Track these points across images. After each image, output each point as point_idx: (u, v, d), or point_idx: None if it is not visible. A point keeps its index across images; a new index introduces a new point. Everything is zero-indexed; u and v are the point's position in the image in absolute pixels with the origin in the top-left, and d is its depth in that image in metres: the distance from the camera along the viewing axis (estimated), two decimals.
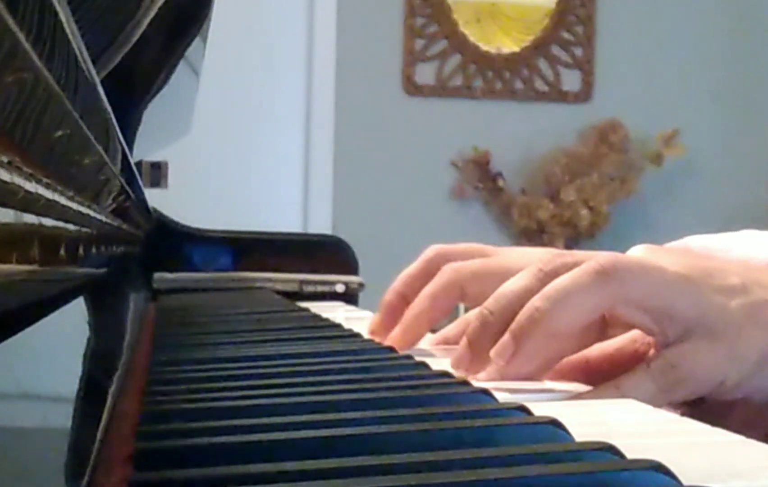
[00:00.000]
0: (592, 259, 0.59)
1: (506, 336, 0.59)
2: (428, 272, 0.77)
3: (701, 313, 0.59)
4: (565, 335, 0.60)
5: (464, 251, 0.78)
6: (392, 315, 0.77)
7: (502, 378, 0.60)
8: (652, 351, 0.61)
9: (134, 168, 0.83)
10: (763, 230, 0.76)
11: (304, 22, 3.75)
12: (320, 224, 3.68)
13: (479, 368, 0.60)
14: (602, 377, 0.61)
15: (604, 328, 0.62)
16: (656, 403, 0.58)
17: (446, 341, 0.77)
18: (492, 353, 0.59)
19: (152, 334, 0.87)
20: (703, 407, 0.61)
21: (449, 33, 3.83)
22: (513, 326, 0.59)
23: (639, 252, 0.64)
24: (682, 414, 0.58)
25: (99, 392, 0.57)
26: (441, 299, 0.74)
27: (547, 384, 0.61)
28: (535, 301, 0.59)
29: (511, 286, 0.62)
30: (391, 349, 0.70)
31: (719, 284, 0.60)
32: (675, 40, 3.93)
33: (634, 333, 0.63)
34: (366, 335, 0.77)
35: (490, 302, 0.62)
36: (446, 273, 0.74)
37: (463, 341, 0.62)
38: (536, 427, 0.43)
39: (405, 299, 0.77)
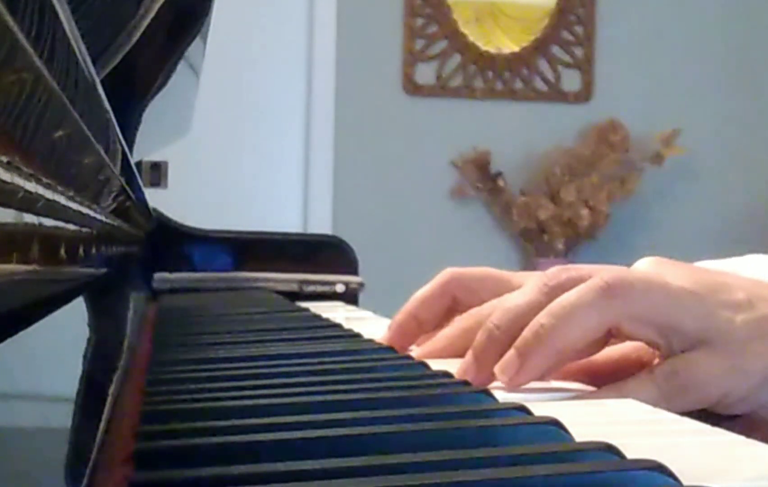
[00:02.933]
0: (597, 275, 0.59)
1: (511, 352, 0.59)
2: (442, 297, 0.75)
3: (706, 327, 0.59)
4: (569, 351, 0.60)
5: (479, 277, 0.75)
6: (402, 336, 0.75)
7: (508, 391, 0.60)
8: (656, 360, 0.61)
9: (134, 168, 0.83)
10: (766, 247, 0.76)
11: (304, 22, 3.75)
12: (320, 224, 3.68)
13: (484, 381, 0.60)
14: (605, 383, 0.61)
15: (607, 338, 0.62)
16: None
17: (431, 355, 0.72)
18: (497, 369, 0.59)
19: (152, 334, 0.87)
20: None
21: (449, 33, 3.83)
22: (518, 342, 0.59)
23: (645, 265, 0.64)
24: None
25: (99, 392, 0.57)
26: (458, 343, 0.69)
27: (549, 384, 0.61)
28: (541, 318, 0.59)
29: (516, 300, 0.62)
30: (391, 349, 0.70)
31: (725, 298, 0.60)
32: (675, 40, 3.92)
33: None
34: (366, 335, 0.77)
35: (496, 316, 0.62)
36: (465, 320, 0.70)
37: (469, 353, 0.62)
38: (536, 427, 0.43)
39: (417, 320, 0.75)
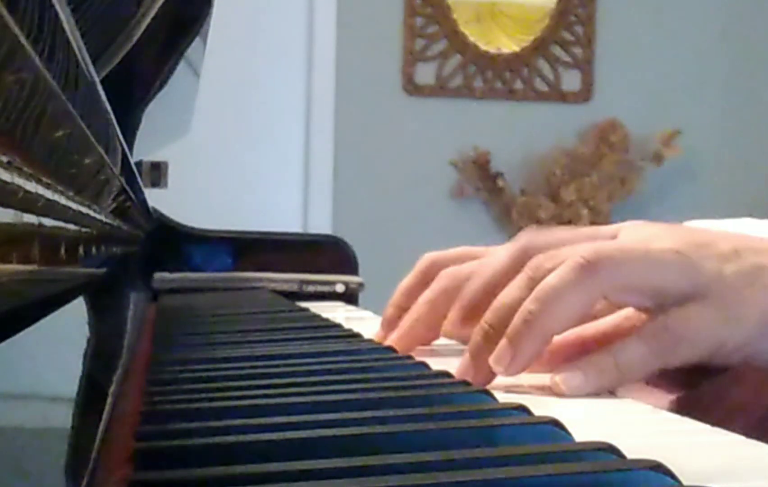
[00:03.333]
0: (576, 253, 0.59)
1: (503, 342, 0.59)
2: (424, 282, 0.77)
3: (694, 281, 0.59)
4: (558, 332, 0.61)
5: (457, 256, 0.77)
6: (393, 329, 0.76)
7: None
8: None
9: (134, 168, 0.83)
10: (762, 219, 0.76)
11: (304, 22, 3.75)
12: (320, 224, 3.68)
13: (484, 381, 0.60)
14: None
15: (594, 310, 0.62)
16: (650, 367, 0.58)
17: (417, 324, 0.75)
18: (491, 360, 0.60)
19: (152, 334, 0.87)
20: (703, 389, 0.62)
21: (449, 33, 3.83)
22: (509, 331, 0.59)
23: (628, 231, 0.65)
24: (681, 409, 0.58)
25: (99, 392, 0.57)
26: (439, 304, 0.74)
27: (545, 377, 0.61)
28: (527, 304, 0.59)
29: (504, 298, 0.62)
30: (391, 349, 0.70)
31: (710, 252, 0.60)
32: (675, 40, 3.92)
33: (629, 310, 0.63)
34: (366, 335, 0.77)
35: (488, 315, 0.62)
36: (442, 279, 0.74)
37: (466, 354, 0.62)
38: (536, 427, 0.43)
39: (405, 310, 0.77)
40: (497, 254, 0.67)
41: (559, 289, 0.59)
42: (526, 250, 0.65)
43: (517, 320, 0.59)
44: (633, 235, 0.63)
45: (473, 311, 0.66)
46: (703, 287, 0.59)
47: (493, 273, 0.66)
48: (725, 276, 0.59)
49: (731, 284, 0.59)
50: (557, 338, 0.62)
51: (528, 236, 0.66)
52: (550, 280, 0.59)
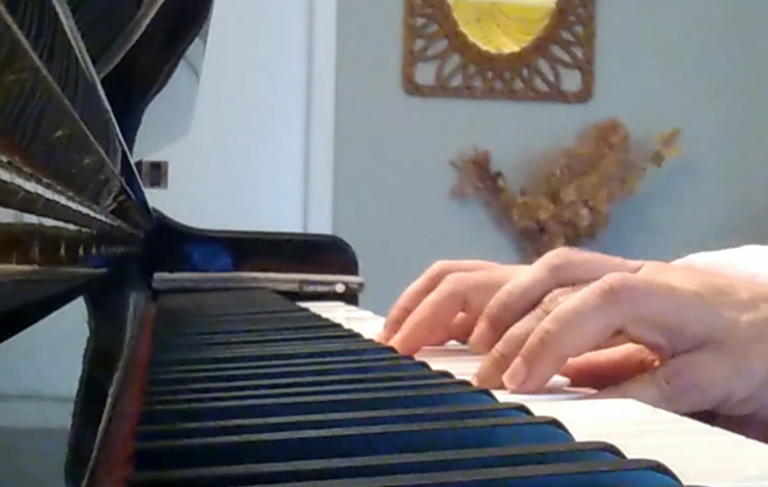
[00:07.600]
0: (601, 278, 0.59)
1: (518, 360, 0.59)
2: (433, 287, 0.76)
3: (711, 328, 0.58)
4: (574, 355, 0.60)
5: (469, 267, 0.77)
6: (397, 331, 0.76)
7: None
8: (657, 362, 0.61)
9: (134, 168, 0.83)
10: (764, 245, 0.76)
11: (304, 22, 3.75)
12: (320, 224, 3.68)
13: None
14: (607, 383, 0.61)
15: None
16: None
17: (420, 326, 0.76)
18: (505, 377, 0.59)
19: (152, 334, 0.87)
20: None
21: (449, 33, 3.83)
22: (524, 350, 0.59)
23: (650, 268, 0.64)
24: None
25: (99, 392, 0.57)
26: (443, 308, 0.73)
27: (552, 381, 0.60)
28: (545, 324, 0.59)
29: (517, 328, 0.62)
30: (391, 349, 0.70)
31: (729, 299, 0.60)
32: (675, 40, 3.92)
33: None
34: (366, 335, 0.77)
35: (500, 345, 0.62)
36: (449, 283, 0.74)
37: (474, 378, 0.62)
38: (536, 427, 0.43)
39: (409, 313, 0.76)
40: (529, 271, 0.66)
41: (579, 312, 0.58)
42: (559, 269, 0.64)
43: (533, 338, 0.59)
44: (656, 271, 0.63)
45: (501, 327, 0.65)
46: (718, 335, 0.58)
47: (526, 289, 0.65)
48: (740, 326, 0.59)
49: (744, 335, 0.59)
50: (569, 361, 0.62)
51: (562, 256, 0.65)
52: (572, 301, 0.59)
